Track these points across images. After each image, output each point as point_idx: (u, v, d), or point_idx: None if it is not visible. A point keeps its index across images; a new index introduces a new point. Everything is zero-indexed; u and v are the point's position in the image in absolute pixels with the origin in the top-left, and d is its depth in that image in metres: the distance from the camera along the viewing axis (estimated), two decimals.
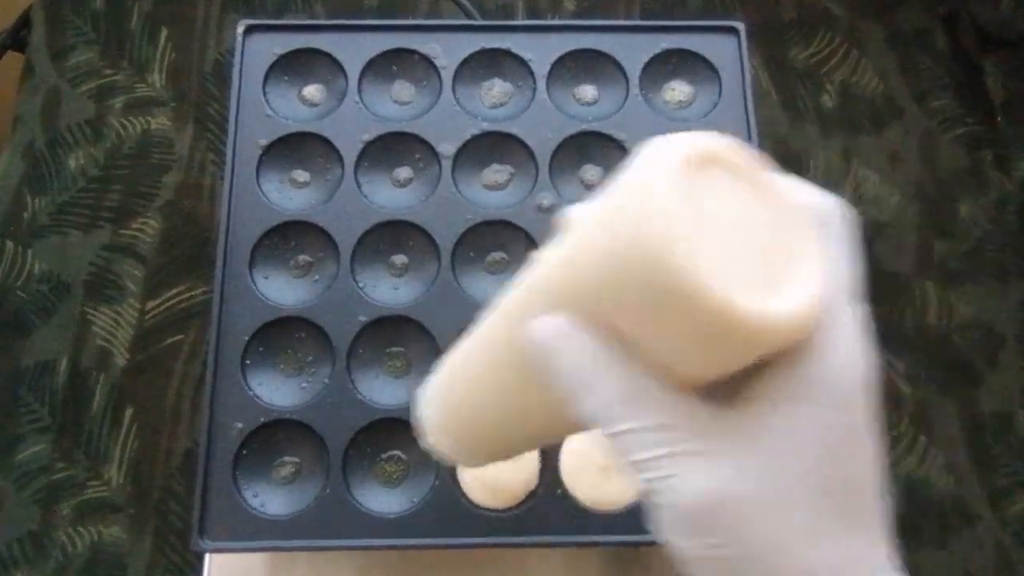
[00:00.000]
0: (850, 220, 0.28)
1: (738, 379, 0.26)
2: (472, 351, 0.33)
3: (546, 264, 0.28)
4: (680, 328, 0.24)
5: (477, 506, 0.47)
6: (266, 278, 0.51)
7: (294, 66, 0.56)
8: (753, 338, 0.23)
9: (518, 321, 0.28)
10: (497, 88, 0.56)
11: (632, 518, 0.45)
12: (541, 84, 0.55)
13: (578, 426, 0.28)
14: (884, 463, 0.26)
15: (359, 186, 0.53)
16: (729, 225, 0.24)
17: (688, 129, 0.53)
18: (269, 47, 0.56)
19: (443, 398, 0.34)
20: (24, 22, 0.71)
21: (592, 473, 0.47)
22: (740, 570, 0.25)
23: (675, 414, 0.25)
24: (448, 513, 0.47)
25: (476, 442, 0.34)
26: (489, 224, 0.52)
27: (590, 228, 0.26)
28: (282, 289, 0.51)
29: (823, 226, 0.27)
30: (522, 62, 0.56)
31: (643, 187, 0.23)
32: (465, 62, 0.56)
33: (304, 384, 0.50)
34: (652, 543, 0.42)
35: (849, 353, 0.25)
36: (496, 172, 0.54)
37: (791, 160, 0.66)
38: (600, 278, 0.25)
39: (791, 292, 0.24)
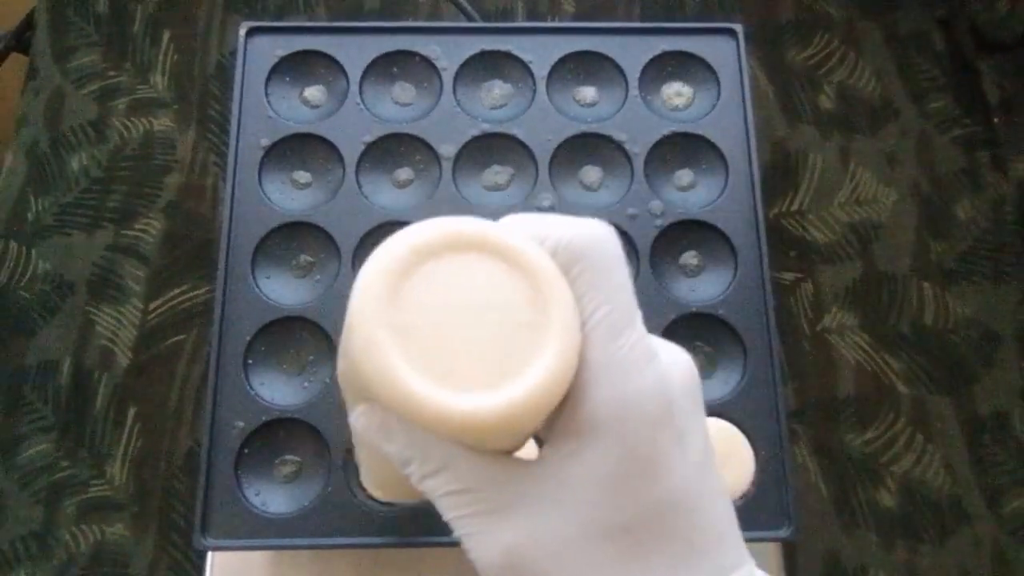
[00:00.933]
0: (611, 239, 0.27)
1: (546, 427, 0.27)
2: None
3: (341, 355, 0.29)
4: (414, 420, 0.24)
5: None
6: (268, 278, 0.52)
7: (296, 68, 0.56)
8: (464, 432, 0.24)
9: (350, 408, 0.29)
10: (497, 90, 0.56)
11: None
12: (541, 86, 0.55)
13: None
14: (696, 483, 0.26)
15: (360, 187, 0.53)
16: (457, 314, 0.24)
17: (688, 130, 0.54)
18: (271, 49, 0.56)
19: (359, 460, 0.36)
20: (28, 24, 0.71)
21: None
22: None
23: (476, 477, 0.26)
24: None
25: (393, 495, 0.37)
26: None
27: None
28: (284, 289, 0.52)
29: (579, 264, 0.26)
30: (522, 64, 0.56)
31: (355, 288, 0.24)
32: (465, 64, 0.56)
33: (306, 383, 0.50)
34: None
35: (615, 390, 0.25)
36: (496, 173, 0.54)
37: (789, 161, 0.67)
38: (348, 366, 0.26)
39: (512, 383, 0.24)
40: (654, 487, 0.26)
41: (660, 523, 0.26)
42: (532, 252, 0.25)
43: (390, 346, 0.23)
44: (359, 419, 0.28)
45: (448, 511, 0.26)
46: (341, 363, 0.28)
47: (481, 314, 0.25)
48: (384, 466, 0.32)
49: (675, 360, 0.28)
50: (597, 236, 0.27)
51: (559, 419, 0.26)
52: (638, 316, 0.27)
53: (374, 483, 0.36)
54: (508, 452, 0.27)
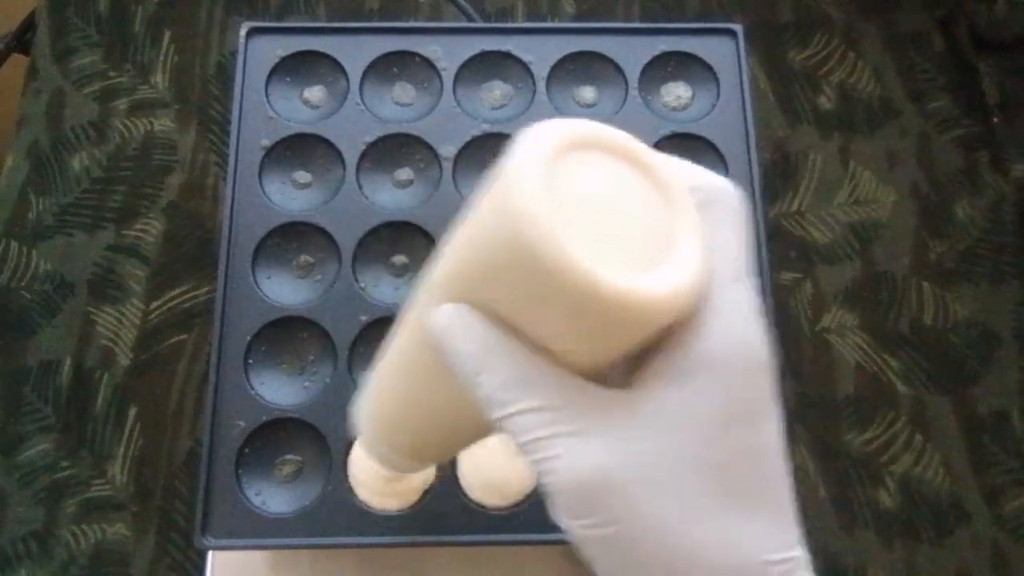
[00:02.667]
0: (741, 200, 0.28)
1: (633, 363, 0.26)
2: (390, 357, 0.33)
3: (441, 257, 0.28)
4: (553, 307, 0.24)
5: (477, 504, 0.47)
6: (268, 278, 0.52)
7: (296, 68, 0.56)
8: (623, 315, 0.23)
9: (423, 316, 0.28)
10: (497, 90, 0.57)
11: None
12: (541, 86, 0.56)
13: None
14: (782, 445, 0.26)
15: (360, 187, 0.53)
16: (605, 206, 0.24)
17: (687, 130, 0.54)
18: (271, 49, 0.56)
19: (372, 408, 0.35)
20: (28, 25, 0.71)
21: None
22: (627, 548, 0.24)
23: (561, 395, 0.25)
24: (448, 511, 0.47)
25: (407, 447, 0.35)
26: None
27: (471, 215, 0.26)
28: (284, 289, 0.52)
29: (709, 206, 0.27)
30: (522, 64, 0.56)
31: (511, 170, 0.24)
32: (466, 64, 0.56)
33: (306, 383, 0.50)
34: None
35: (735, 331, 0.25)
36: None
37: (789, 161, 0.67)
38: (480, 263, 0.25)
39: (666, 271, 0.24)
40: (755, 434, 0.25)
41: (755, 471, 0.25)
42: (667, 168, 0.26)
43: (562, 228, 0.23)
44: (443, 317, 0.26)
45: (524, 432, 0.25)
46: (458, 254, 0.27)
47: (623, 209, 0.25)
48: (430, 392, 0.31)
49: None
50: (733, 190, 0.28)
51: (663, 349, 0.25)
52: (751, 274, 0.27)
53: (375, 437, 0.35)
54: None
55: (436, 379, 0.30)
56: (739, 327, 0.25)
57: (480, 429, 0.32)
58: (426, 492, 0.47)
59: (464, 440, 0.36)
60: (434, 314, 0.27)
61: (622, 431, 0.25)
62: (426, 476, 0.48)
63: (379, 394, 0.35)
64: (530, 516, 0.47)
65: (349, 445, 0.48)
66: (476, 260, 0.26)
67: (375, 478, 0.47)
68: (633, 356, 0.26)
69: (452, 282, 0.27)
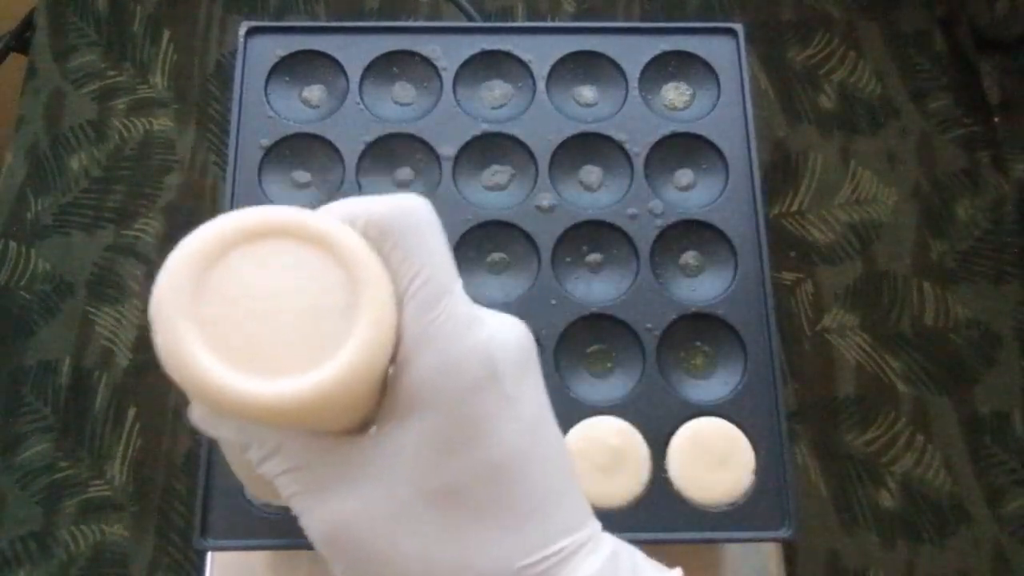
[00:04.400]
0: (427, 209, 0.27)
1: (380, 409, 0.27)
2: None
3: None
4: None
5: None
6: None
7: (295, 68, 0.56)
8: (250, 414, 0.24)
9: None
10: (497, 89, 0.56)
11: (633, 516, 0.46)
12: (541, 85, 0.55)
13: None
14: (532, 445, 0.26)
15: (360, 187, 0.53)
16: (262, 305, 0.24)
17: (688, 130, 0.54)
18: (271, 49, 0.56)
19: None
20: (27, 24, 0.71)
21: (592, 472, 0.47)
22: None
23: (305, 456, 0.26)
24: None
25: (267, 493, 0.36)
26: (489, 224, 0.52)
27: None
28: None
29: (394, 234, 0.26)
30: (522, 64, 0.56)
31: (159, 278, 0.24)
32: (465, 64, 0.56)
33: None
34: (653, 541, 0.42)
35: (440, 356, 0.26)
36: (496, 173, 0.54)
37: (789, 161, 0.67)
38: None
39: (317, 368, 0.24)
40: (478, 451, 0.26)
41: (487, 487, 0.26)
42: (341, 233, 0.25)
43: (192, 338, 0.23)
44: (192, 412, 0.28)
45: (284, 490, 0.27)
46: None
47: (291, 300, 0.24)
48: (239, 459, 0.32)
49: (503, 326, 0.28)
50: (404, 208, 0.27)
51: (387, 396, 0.26)
52: (457, 284, 0.27)
53: (243, 481, 0.36)
54: (346, 432, 0.27)
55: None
56: (444, 349, 0.26)
57: None
58: None
59: None
60: (190, 411, 0.28)
61: (355, 481, 0.26)
62: None
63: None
64: None
65: None
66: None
67: None
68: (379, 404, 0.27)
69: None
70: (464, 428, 0.26)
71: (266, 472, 0.27)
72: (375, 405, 0.27)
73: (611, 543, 0.28)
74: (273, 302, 0.24)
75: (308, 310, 0.24)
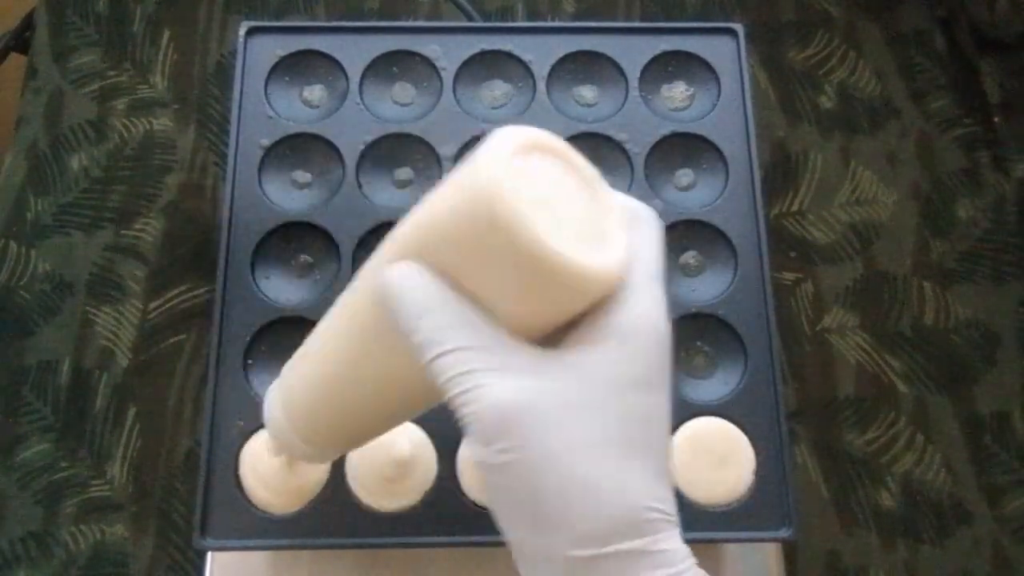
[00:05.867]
0: (660, 226, 0.32)
1: (554, 339, 0.30)
2: (326, 333, 0.36)
3: (397, 229, 0.32)
4: (509, 274, 0.28)
5: (477, 505, 0.47)
6: (267, 278, 0.52)
7: (296, 67, 0.56)
8: (572, 283, 0.27)
9: (376, 276, 0.31)
10: (497, 89, 0.56)
11: None
12: (541, 85, 0.55)
13: (426, 391, 0.31)
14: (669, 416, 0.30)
15: (360, 187, 0.53)
16: (554, 197, 0.29)
17: (688, 130, 0.54)
18: (271, 49, 0.56)
19: (294, 390, 0.38)
20: (27, 24, 0.71)
21: None
22: (529, 474, 0.27)
23: (492, 339, 0.28)
24: (449, 512, 0.47)
25: (327, 429, 0.38)
26: None
27: (437, 193, 0.30)
28: (283, 289, 0.52)
29: (633, 223, 0.31)
30: (522, 64, 0.56)
31: (481, 159, 0.28)
32: (465, 64, 0.56)
33: None
34: None
35: (647, 310, 0.29)
36: None
37: (789, 161, 0.66)
38: (442, 230, 0.29)
39: (604, 254, 0.29)
40: (651, 400, 0.29)
41: (645, 430, 0.29)
42: (600, 179, 0.31)
43: (526, 208, 0.27)
44: (397, 270, 0.30)
45: (453, 367, 0.28)
46: (420, 225, 0.30)
47: (567, 202, 0.29)
48: (364, 356, 0.34)
49: None
50: (655, 217, 0.33)
51: (587, 319, 0.29)
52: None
53: (319, 401, 0.37)
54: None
55: (373, 341, 0.33)
56: (651, 308, 0.29)
57: (400, 406, 0.36)
58: (426, 492, 0.47)
59: (388, 419, 0.38)
60: (389, 269, 0.30)
61: (543, 374, 0.28)
62: (426, 476, 0.48)
63: (303, 375, 0.37)
64: None
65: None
66: (435, 229, 0.29)
67: (375, 478, 0.47)
68: (555, 333, 0.30)
69: (411, 247, 0.30)
70: (649, 376, 0.29)
71: (438, 342, 0.28)
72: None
73: None
74: (557, 199, 0.29)
75: (579, 213, 0.29)
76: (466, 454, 0.48)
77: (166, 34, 0.69)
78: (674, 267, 0.52)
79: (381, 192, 0.54)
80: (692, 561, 0.28)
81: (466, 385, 0.27)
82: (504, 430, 0.27)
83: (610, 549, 0.27)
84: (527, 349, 0.29)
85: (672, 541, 0.28)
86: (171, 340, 0.60)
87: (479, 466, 0.28)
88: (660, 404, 0.29)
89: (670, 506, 0.28)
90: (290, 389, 0.38)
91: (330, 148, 0.54)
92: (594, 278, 0.28)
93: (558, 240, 0.27)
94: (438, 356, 0.28)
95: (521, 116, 0.55)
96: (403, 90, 0.56)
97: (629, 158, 0.54)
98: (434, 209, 0.30)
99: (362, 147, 0.54)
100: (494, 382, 0.27)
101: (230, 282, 0.51)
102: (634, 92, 0.55)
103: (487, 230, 0.27)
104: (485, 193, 0.27)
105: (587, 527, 0.27)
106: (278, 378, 0.39)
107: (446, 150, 0.54)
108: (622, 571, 0.27)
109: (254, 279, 0.51)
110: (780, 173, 0.66)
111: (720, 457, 0.47)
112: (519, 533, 0.29)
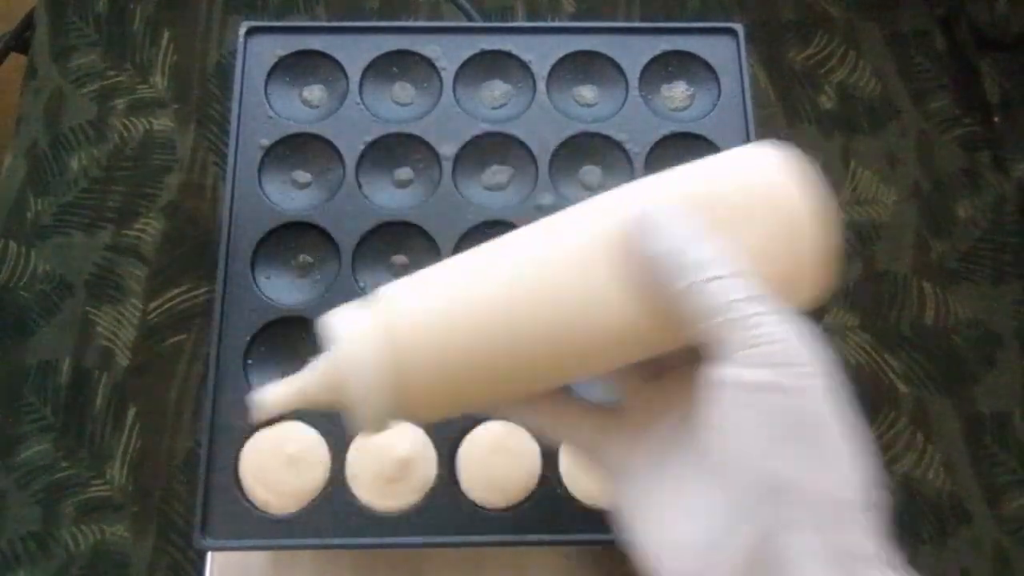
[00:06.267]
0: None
1: None
2: (507, 276, 0.33)
3: (662, 177, 0.35)
4: (775, 231, 0.32)
5: (478, 505, 0.47)
6: (267, 278, 0.52)
7: (295, 67, 0.56)
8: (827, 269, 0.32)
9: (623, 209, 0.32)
10: (497, 89, 0.56)
11: None
12: (541, 85, 0.55)
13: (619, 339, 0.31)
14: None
15: (360, 187, 0.53)
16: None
17: (688, 130, 0.54)
18: (271, 49, 0.56)
19: (438, 341, 0.32)
20: (27, 24, 0.71)
21: (591, 474, 0.47)
22: (820, 402, 0.30)
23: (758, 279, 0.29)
24: (449, 511, 0.47)
25: (467, 385, 0.32)
26: (489, 224, 0.52)
27: (718, 161, 0.34)
28: (283, 289, 0.52)
29: None
30: (522, 64, 0.56)
31: (770, 150, 0.33)
32: (465, 64, 0.56)
33: None
34: None
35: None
36: (496, 173, 0.54)
37: None
38: (732, 194, 0.32)
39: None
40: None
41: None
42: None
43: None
44: (667, 205, 0.31)
45: (726, 294, 0.28)
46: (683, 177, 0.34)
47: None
48: (556, 292, 0.32)
49: None
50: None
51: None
52: None
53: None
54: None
55: (596, 278, 0.31)
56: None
57: (574, 362, 0.33)
58: (426, 492, 0.47)
59: (542, 374, 0.33)
60: (651, 204, 0.31)
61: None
62: (426, 476, 0.48)
63: (476, 318, 0.32)
64: (530, 516, 0.47)
65: (348, 442, 0.48)
66: (723, 190, 0.32)
67: (375, 478, 0.47)
68: None
69: (683, 195, 0.33)
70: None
71: (720, 263, 0.29)
72: None
73: None
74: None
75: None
76: (466, 454, 0.48)
77: (166, 34, 0.69)
78: None
79: (381, 192, 0.54)
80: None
81: (741, 313, 0.28)
82: (809, 354, 0.29)
83: (866, 498, 0.28)
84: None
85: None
86: (171, 340, 0.60)
87: (755, 388, 0.28)
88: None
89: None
90: (428, 340, 0.32)
91: (330, 148, 0.54)
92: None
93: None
94: (712, 279, 0.28)
95: (521, 116, 0.55)
96: (403, 90, 0.56)
97: (629, 158, 0.54)
98: (706, 172, 0.34)
99: (362, 147, 0.54)
100: (780, 314, 0.28)
101: (230, 282, 0.51)
102: (634, 92, 0.55)
103: (782, 206, 0.31)
104: (774, 156, 0.32)
105: (857, 476, 0.28)
106: (354, 331, 0.32)
107: (446, 150, 0.54)
108: (868, 533, 0.29)
109: (254, 279, 0.51)
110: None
111: None
112: (782, 464, 0.28)
